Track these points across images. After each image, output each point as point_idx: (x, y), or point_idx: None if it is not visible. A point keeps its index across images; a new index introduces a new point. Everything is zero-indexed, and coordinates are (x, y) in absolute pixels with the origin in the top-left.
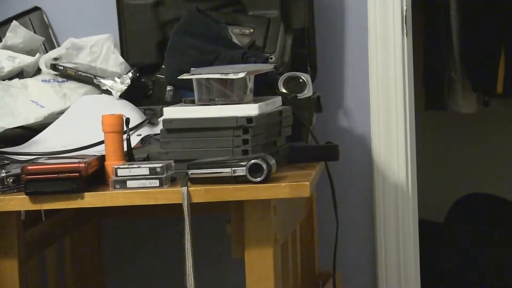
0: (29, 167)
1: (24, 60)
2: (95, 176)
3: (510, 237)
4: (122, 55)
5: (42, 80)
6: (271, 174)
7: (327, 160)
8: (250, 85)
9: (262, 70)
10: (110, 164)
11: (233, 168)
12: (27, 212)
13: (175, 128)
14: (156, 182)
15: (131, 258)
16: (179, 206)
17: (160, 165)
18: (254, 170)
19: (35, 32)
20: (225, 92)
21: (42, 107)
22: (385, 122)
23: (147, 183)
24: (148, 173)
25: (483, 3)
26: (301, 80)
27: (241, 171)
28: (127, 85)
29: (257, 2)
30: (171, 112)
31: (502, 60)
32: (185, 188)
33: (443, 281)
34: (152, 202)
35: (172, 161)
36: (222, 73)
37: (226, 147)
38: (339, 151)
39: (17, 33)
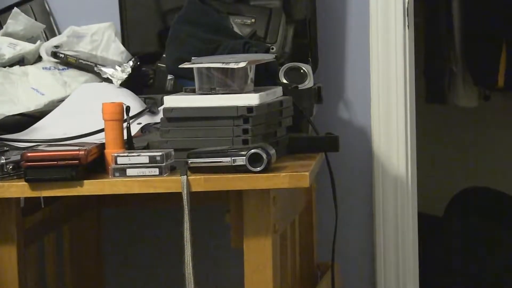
0: (29, 154)
1: (25, 47)
2: (95, 164)
3: (509, 231)
4: (123, 43)
5: (43, 68)
6: (271, 164)
7: (327, 151)
8: (251, 75)
9: (263, 60)
10: (110, 152)
11: (233, 158)
12: (26, 199)
13: (175, 117)
14: (155, 171)
15: (130, 247)
16: (178, 195)
17: (160, 153)
18: (254, 159)
19: (36, 20)
20: (226, 81)
21: (43, 94)
22: (386, 114)
23: (146, 171)
24: (147, 161)
25: None
26: (302, 70)
27: (240, 160)
28: (127, 73)
29: None
30: (172, 101)
31: (503, 54)
32: (185, 177)
33: (442, 274)
34: (151, 191)
35: (172, 150)
36: (223, 63)
37: (226, 136)
38: (339, 142)
39: (18, 20)
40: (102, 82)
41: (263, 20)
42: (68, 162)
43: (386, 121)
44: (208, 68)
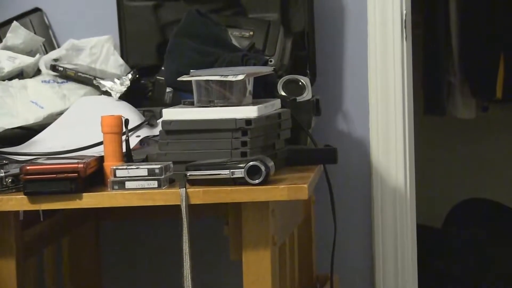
0: (28, 167)
1: (24, 60)
2: (94, 176)
3: (507, 243)
4: (122, 56)
5: (42, 81)
6: (270, 176)
7: (326, 163)
8: (249, 87)
9: (261, 73)
10: (108, 165)
11: (231, 170)
12: (25, 212)
13: (174, 130)
14: (154, 183)
15: (129, 260)
16: (177, 207)
17: (159, 166)
18: (253, 172)
19: (35, 33)
20: (224, 94)
21: (42, 107)
22: (384, 126)
23: (145, 184)
24: (146, 174)
25: (483, 8)
26: (300, 83)
27: (239, 173)
28: (126, 86)
29: (257, 5)
30: (170, 114)
31: (501, 66)
32: (184, 189)
33: (441, 286)
34: (150, 203)
35: (171, 162)
36: (222, 75)
37: (225, 149)
38: (337, 154)
39: (17, 34)
40: (101, 95)
41: (261, 33)
42: (67, 175)
43: (385, 133)
44: (207, 81)
